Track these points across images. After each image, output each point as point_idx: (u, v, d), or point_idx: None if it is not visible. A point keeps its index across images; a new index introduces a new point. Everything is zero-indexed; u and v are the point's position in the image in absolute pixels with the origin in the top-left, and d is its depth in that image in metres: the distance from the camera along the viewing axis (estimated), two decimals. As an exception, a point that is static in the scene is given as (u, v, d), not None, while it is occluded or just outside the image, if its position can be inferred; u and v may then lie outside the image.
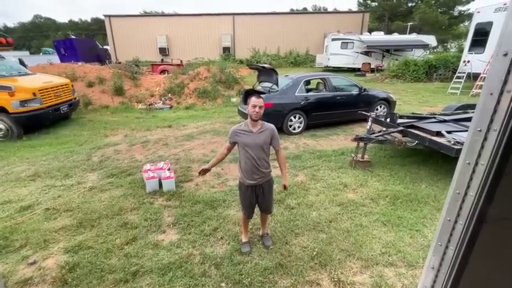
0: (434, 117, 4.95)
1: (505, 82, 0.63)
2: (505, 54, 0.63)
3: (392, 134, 4.54)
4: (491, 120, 0.66)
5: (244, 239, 2.82)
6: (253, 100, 2.37)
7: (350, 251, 2.69)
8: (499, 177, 0.67)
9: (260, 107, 2.35)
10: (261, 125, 2.48)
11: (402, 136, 4.51)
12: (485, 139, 0.68)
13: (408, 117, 5.23)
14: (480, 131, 0.69)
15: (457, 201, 0.77)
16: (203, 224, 3.17)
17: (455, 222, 0.79)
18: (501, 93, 0.64)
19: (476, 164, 0.71)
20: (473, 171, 0.72)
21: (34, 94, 6.70)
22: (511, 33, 0.61)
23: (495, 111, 0.65)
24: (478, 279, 0.80)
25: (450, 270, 0.81)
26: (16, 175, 4.54)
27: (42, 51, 34.45)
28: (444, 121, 4.68)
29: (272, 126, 2.55)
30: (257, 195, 2.59)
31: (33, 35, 63.71)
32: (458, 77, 12.06)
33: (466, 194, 0.75)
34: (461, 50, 19.24)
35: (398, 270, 2.46)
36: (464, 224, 0.75)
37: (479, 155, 0.70)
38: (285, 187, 2.63)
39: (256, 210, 2.76)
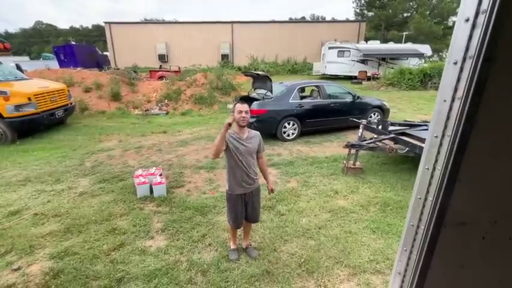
0: (426, 125, 4.99)
1: (456, 89, 0.66)
2: (455, 63, 0.65)
3: (383, 141, 4.57)
4: (445, 126, 0.68)
5: (232, 246, 2.80)
6: (239, 106, 2.41)
7: (338, 258, 2.68)
8: (453, 182, 0.69)
9: (246, 112, 2.39)
10: (248, 131, 2.50)
11: (394, 143, 4.54)
12: (440, 145, 0.70)
13: (400, 124, 5.28)
14: (436, 137, 0.71)
15: (418, 206, 0.78)
16: (192, 230, 3.15)
17: (417, 227, 0.80)
18: (452, 100, 0.66)
19: (434, 169, 0.73)
20: (431, 177, 0.73)
21: (29, 99, 6.70)
22: (460, 43, 0.63)
23: (448, 117, 0.68)
24: (441, 284, 0.81)
25: (414, 274, 0.81)
26: (7, 180, 4.50)
27: (42, 57, 34.63)
28: (436, 129, 4.72)
29: (258, 133, 2.59)
30: (246, 204, 2.58)
31: (34, 41, 64.20)
32: (452, 86, 12.21)
33: (426, 199, 0.76)
34: (455, 60, 19.49)
35: (386, 278, 2.44)
36: (425, 228, 0.76)
37: (436, 161, 0.72)
38: (272, 190, 2.70)
39: None
